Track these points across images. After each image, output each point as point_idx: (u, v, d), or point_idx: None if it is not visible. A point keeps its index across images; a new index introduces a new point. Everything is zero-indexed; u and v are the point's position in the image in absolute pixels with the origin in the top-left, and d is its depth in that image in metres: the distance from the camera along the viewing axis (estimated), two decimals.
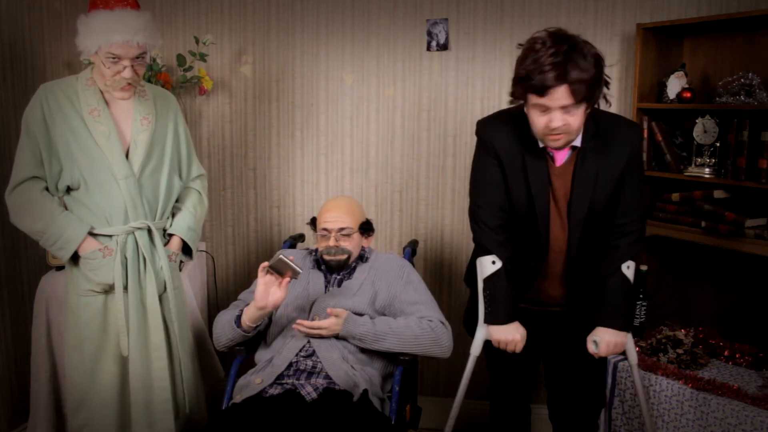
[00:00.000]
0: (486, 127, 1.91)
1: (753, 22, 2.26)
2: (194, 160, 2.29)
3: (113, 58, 1.94)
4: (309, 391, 1.88)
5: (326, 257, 2.15)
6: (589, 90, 1.65)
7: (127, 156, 2.05)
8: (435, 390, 2.94)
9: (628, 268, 1.86)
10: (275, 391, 1.90)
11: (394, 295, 2.12)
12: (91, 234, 2.04)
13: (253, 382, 1.95)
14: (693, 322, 2.48)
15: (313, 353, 1.99)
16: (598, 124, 1.80)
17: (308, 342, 2.01)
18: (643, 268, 2.42)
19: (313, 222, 2.25)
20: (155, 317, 2.10)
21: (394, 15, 2.79)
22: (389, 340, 1.99)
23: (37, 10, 2.65)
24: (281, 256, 1.91)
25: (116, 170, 2.02)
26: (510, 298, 1.89)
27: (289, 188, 2.98)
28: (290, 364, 1.97)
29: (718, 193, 2.35)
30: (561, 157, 1.83)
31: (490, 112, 1.99)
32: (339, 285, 2.15)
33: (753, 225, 2.18)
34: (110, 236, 2.05)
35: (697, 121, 2.35)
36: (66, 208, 2.06)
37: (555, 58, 1.61)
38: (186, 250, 2.23)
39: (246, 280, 2.98)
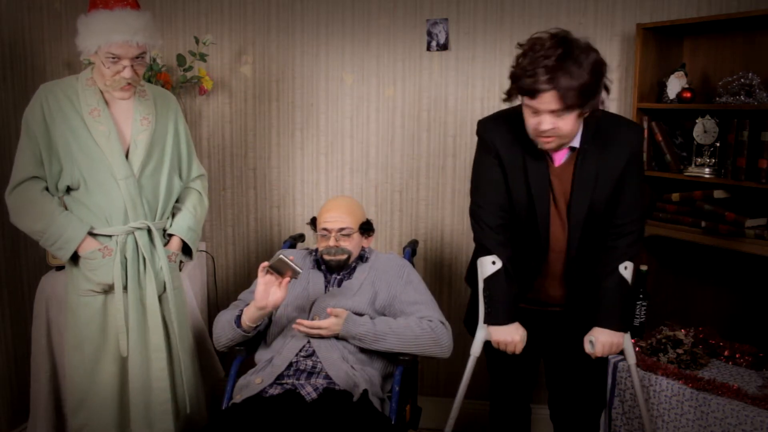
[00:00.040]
0: (487, 126, 1.91)
1: (753, 22, 2.26)
2: (194, 160, 2.29)
3: (113, 58, 1.94)
4: (309, 391, 1.88)
5: (326, 257, 2.15)
6: (581, 97, 1.63)
7: (127, 156, 2.05)
8: (435, 390, 2.94)
9: (626, 269, 1.86)
10: (275, 391, 1.90)
11: (394, 295, 2.12)
12: (91, 234, 2.04)
13: (253, 382, 1.95)
14: (693, 322, 2.47)
15: (313, 353, 1.99)
16: (598, 124, 1.80)
17: (308, 342, 2.01)
18: (643, 268, 2.42)
19: (313, 222, 2.25)
20: (155, 317, 2.10)
21: (394, 15, 2.79)
22: (389, 340, 1.99)
23: (37, 10, 2.66)
24: (281, 256, 1.91)
25: (116, 170, 2.02)
26: (510, 299, 1.89)
27: (289, 188, 2.98)
28: (290, 364, 1.97)
29: (718, 193, 2.35)
30: (559, 158, 1.83)
31: (490, 112, 1.99)
32: (339, 285, 2.15)
33: (753, 225, 2.18)
34: (110, 236, 2.05)
35: (697, 121, 2.35)
36: (66, 208, 2.06)
37: (546, 62, 1.61)
38: (186, 250, 2.23)
39: (246, 280, 2.98)
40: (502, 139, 1.85)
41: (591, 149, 1.80)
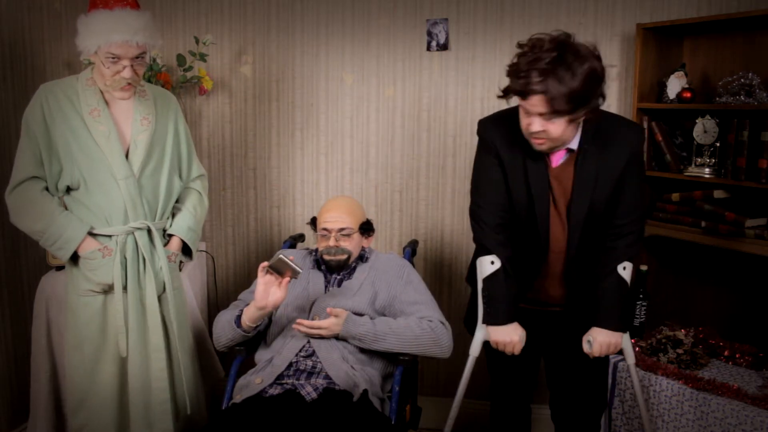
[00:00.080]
0: (487, 126, 1.91)
1: (753, 22, 2.26)
2: (194, 160, 2.29)
3: (113, 58, 1.94)
4: (309, 391, 1.88)
5: (326, 257, 2.15)
6: (570, 103, 1.63)
7: (127, 156, 2.05)
8: (435, 390, 2.94)
9: (625, 269, 1.86)
10: (275, 391, 1.90)
11: (394, 295, 2.11)
12: (91, 234, 2.04)
13: (253, 382, 1.95)
14: (693, 322, 2.48)
15: (313, 353, 1.99)
16: (598, 124, 1.80)
17: (308, 342, 2.01)
18: (643, 268, 2.42)
19: (313, 222, 2.25)
20: (154, 318, 2.10)
21: (394, 15, 2.79)
22: (389, 340, 1.99)
23: (37, 10, 2.66)
24: (281, 256, 1.91)
25: (116, 170, 2.02)
26: (509, 299, 1.89)
27: (289, 188, 2.98)
28: (290, 364, 1.97)
29: (718, 193, 2.35)
30: (557, 159, 1.83)
31: (490, 112, 1.99)
32: (339, 285, 2.15)
33: (753, 225, 2.18)
34: (110, 236, 2.05)
35: (697, 121, 2.35)
36: (66, 208, 2.06)
37: (539, 65, 1.61)
38: (186, 250, 2.23)
39: (246, 280, 2.98)
40: (502, 139, 1.85)
41: (591, 149, 1.80)
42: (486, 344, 1.97)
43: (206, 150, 3.00)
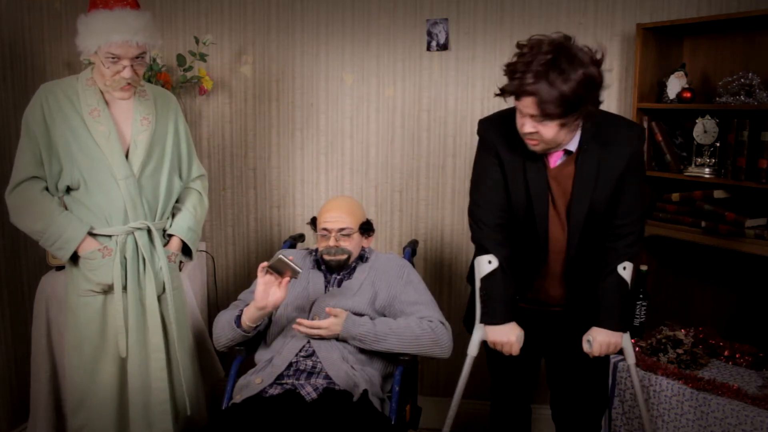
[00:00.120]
0: (487, 126, 1.91)
1: (753, 22, 2.26)
2: (194, 160, 2.29)
3: (113, 58, 1.94)
4: (309, 391, 1.88)
5: (326, 257, 2.15)
6: (560, 108, 1.62)
7: (127, 156, 2.05)
8: (435, 390, 2.94)
9: (625, 269, 1.85)
10: (275, 391, 1.90)
11: (394, 295, 2.11)
12: (91, 234, 2.04)
13: (253, 382, 1.95)
14: (693, 322, 2.48)
15: (313, 353, 1.99)
16: (598, 124, 1.80)
17: (308, 342, 2.01)
18: (643, 268, 2.42)
19: (313, 222, 2.25)
20: (154, 318, 2.09)
21: (394, 15, 2.79)
22: (389, 341, 1.99)
23: (37, 10, 2.66)
24: (281, 256, 1.91)
25: (116, 170, 2.02)
26: (506, 299, 1.88)
27: (289, 188, 2.98)
28: (290, 364, 1.97)
29: (718, 193, 2.35)
30: (554, 160, 1.83)
31: (490, 112, 1.99)
32: (339, 285, 2.15)
33: (753, 225, 2.18)
34: (110, 236, 2.05)
35: (697, 121, 2.35)
36: (66, 208, 2.06)
37: (532, 67, 1.61)
38: (186, 250, 2.23)
39: (246, 280, 2.98)
40: (502, 139, 1.85)
41: (591, 149, 1.80)
42: (486, 344, 1.97)
43: (206, 150, 3.00)
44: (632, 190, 1.84)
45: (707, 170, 2.33)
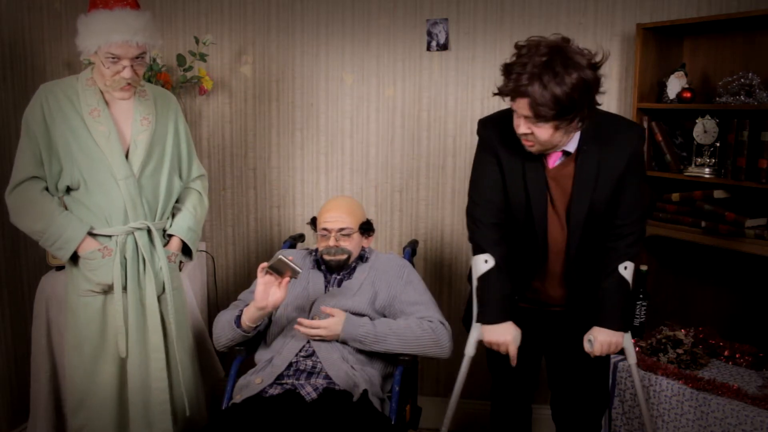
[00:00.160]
0: (487, 126, 1.91)
1: (753, 22, 2.26)
2: (194, 160, 2.29)
3: (113, 58, 1.94)
4: (309, 391, 1.88)
5: (326, 257, 2.15)
6: (554, 110, 1.62)
7: (127, 156, 2.05)
8: (435, 390, 2.94)
9: (626, 269, 1.85)
10: (275, 391, 1.90)
11: (394, 295, 2.11)
12: (91, 234, 2.04)
13: (253, 382, 1.95)
14: (693, 322, 2.48)
15: (313, 353, 1.99)
16: (598, 124, 1.80)
17: (308, 342, 2.01)
18: (643, 268, 2.42)
19: (313, 222, 2.25)
20: (154, 318, 2.09)
21: (394, 15, 2.79)
22: (390, 341, 1.99)
23: (37, 10, 2.66)
24: (280, 256, 1.91)
25: (116, 170, 2.02)
26: (503, 298, 1.88)
27: (289, 188, 2.98)
28: (290, 364, 1.97)
29: (718, 193, 2.35)
30: (553, 160, 1.83)
31: (490, 112, 1.99)
32: (339, 285, 2.15)
33: (753, 225, 2.18)
34: (110, 236, 2.05)
35: (697, 121, 2.35)
36: (66, 208, 2.06)
37: (527, 69, 1.62)
38: (186, 250, 2.23)
39: (246, 280, 2.98)
40: (501, 139, 1.85)
41: (591, 150, 1.80)
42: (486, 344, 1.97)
43: (206, 150, 3.00)
44: (632, 190, 1.84)
45: (707, 170, 2.33)
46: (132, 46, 1.93)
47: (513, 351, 1.86)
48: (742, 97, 2.24)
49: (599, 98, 1.71)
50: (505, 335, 1.85)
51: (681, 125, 2.51)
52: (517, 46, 1.69)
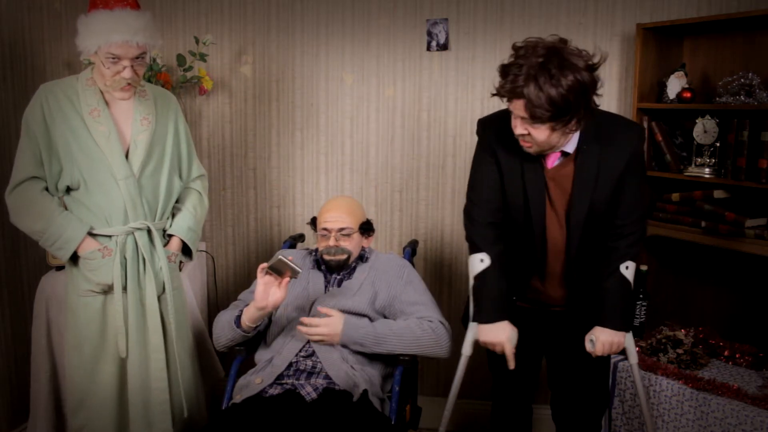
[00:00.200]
0: (486, 126, 1.92)
1: (753, 22, 2.26)
2: (195, 160, 2.29)
3: (113, 58, 1.94)
4: (309, 391, 1.88)
5: (326, 257, 2.15)
6: (549, 111, 1.62)
7: (127, 156, 2.05)
8: (435, 390, 2.94)
9: (627, 269, 1.85)
10: (275, 391, 1.90)
11: (394, 295, 2.11)
12: (91, 234, 2.04)
13: (253, 382, 1.95)
14: (693, 322, 2.48)
15: (313, 353, 1.99)
16: (598, 124, 1.79)
17: (308, 342, 2.01)
18: (643, 268, 2.42)
19: (313, 222, 2.25)
20: (154, 318, 2.09)
21: (394, 15, 2.79)
22: (390, 342, 1.99)
23: (37, 10, 2.66)
24: (280, 256, 1.91)
25: (116, 170, 2.02)
26: (498, 297, 1.88)
27: (289, 188, 2.98)
28: (290, 364, 1.97)
29: (718, 193, 2.35)
30: (551, 161, 1.83)
31: (490, 112, 1.99)
32: (339, 285, 2.15)
33: (753, 225, 2.18)
34: (110, 236, 2.05)
35: (697, 121, 2.35)
36: (66, 208, 2.06)
37: (523, 70, 1.62)
38: (186, 250, 2.23)
39: (246, 280, 2.98)
40: (500, 139, 1.85)
41: (591, 150, 1.80)
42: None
43: (206, 150, 3.00)
44: (632, 190, 1.84)
45: (707, 170, 2.33)
46: (132, 46, 1.93)
47: (508, 351, 1.85)
48: (742, 97, 2.24)
49: (598, 99, 1.70)
50: (500, 335, 1.85)
51: (681, 125, 2.51)
52: (515, 47, 1.69)
